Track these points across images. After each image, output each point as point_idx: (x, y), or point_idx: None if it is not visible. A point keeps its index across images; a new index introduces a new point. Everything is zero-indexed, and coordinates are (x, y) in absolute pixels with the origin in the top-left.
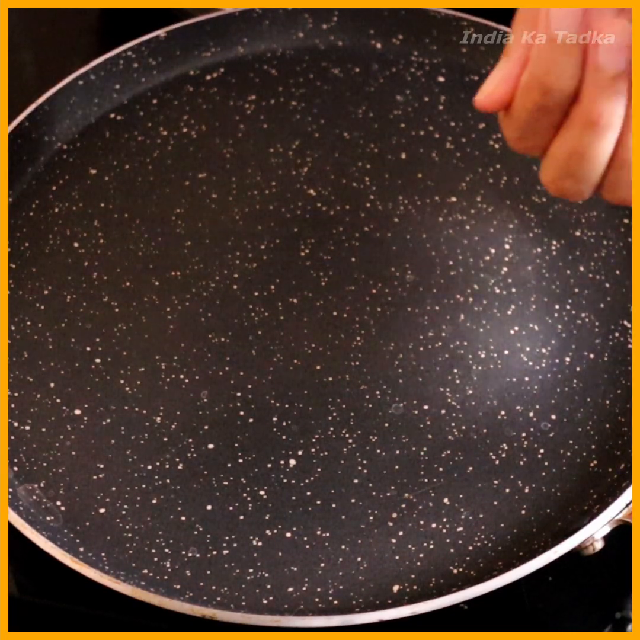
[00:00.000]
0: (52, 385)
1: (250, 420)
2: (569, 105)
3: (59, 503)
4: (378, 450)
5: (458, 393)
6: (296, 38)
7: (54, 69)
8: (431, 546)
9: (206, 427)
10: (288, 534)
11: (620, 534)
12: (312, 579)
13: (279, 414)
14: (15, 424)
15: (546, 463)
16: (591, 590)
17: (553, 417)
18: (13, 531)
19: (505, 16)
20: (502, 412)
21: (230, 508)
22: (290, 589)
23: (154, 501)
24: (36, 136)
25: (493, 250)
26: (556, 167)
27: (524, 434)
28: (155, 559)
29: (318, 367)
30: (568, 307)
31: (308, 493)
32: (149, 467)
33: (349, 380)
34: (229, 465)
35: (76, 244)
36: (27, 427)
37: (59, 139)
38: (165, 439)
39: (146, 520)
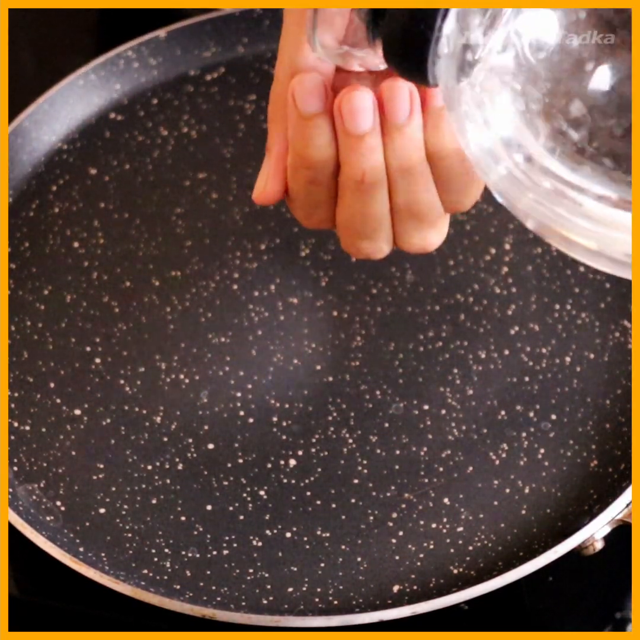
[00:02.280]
0: (52, 385)
1: (250, 420)
2: (336, 173)
3: (59, 503)
4: (378, 450)
5: (458, 393)
6: None
7: (54, 69)
8: (431, 546)
9: (206, 427)
10: (288, 534)
11: (620, 534)
12: (312, 579)
13: (279, 414)
14: (15, 424)
15: (546, 463)
16: (591, 590)
17: (553, 417)
18: (13, 531)
19: None
20: (502, 412)
21: (230, 508)
22: (290, 589)
23: (154, 501)
24: (36, 136)
25: (493, 250)
26: (346, 232)
27: (524, 434)
28: (155, 559)
29: (318, 367)
30: (568, 307)
31: (308, 493)
32: (149, 467)
33: (349, 380)
34: (229, 465)
35: (76, 244)
36: (27, 427)
37: (59, 139)
38: (165, 439)
39: (146, 520)
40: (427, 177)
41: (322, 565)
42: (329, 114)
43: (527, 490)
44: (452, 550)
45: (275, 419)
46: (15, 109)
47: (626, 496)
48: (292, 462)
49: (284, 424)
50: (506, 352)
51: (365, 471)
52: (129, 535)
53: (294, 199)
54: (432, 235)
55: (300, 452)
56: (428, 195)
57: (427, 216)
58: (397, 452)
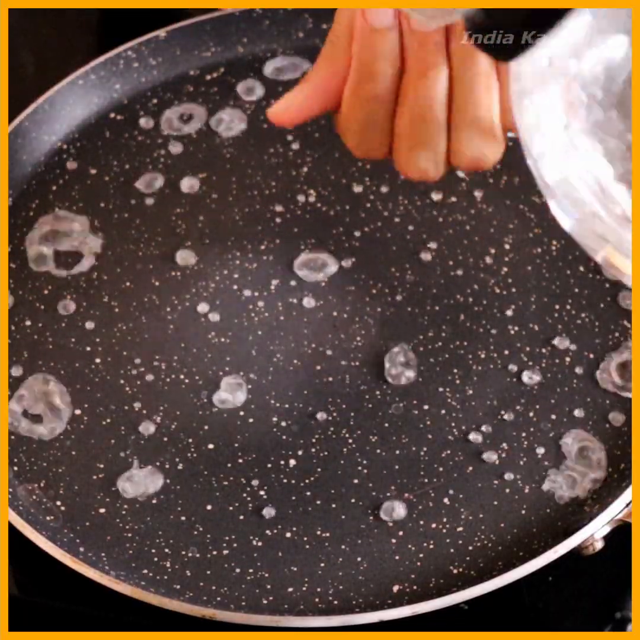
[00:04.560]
0: (52, 385)
1: (250, 420)
2: (396, 89)
3: (59, 503)
4: (378, 450)
5: (458, 393)
6: (296, 38)
7: (54, 69)
8: (431, 546)
9: (206, 427)
10: (288, 534)
11: (620, 534)
12: (312, 579)
13: (279, 414)
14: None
15: (546, 463)
16: (591, 590)
17: (553, 416)
18: (13, 531)
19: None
20: (502, 412)
21: (230, 508)
22: (290, 589)
23: (154, 501)
24: (36, 136)
25: (493, 250)
26: (405, 142)
27: (523, 434)
28: (155, 559)
29: (318, 367)
30: (568, 307)
31: (308, 493)
32: (149, 467)
33: (349, 380)
34: (229, 465)
35: (76, 244)
36: None
37: (59, 139)
38: (165, 439)
39: (146, 520)
40: (489, 79)
41: (322, 565)
42: (397, 29)
43: (527, 490)
44: (452, 550)
45: (275, 419)
46: (15, 109)
47: (626, 496)
48: (292, 462)
49: (284, 424)
50: (506, 352)
51: (365, 471)
52: (129, 535)
53: (350, 121)
54: (486, 147)
55: (300, 452)
56: (487, 97)
57: (482, 121)
58: (397, 452)
